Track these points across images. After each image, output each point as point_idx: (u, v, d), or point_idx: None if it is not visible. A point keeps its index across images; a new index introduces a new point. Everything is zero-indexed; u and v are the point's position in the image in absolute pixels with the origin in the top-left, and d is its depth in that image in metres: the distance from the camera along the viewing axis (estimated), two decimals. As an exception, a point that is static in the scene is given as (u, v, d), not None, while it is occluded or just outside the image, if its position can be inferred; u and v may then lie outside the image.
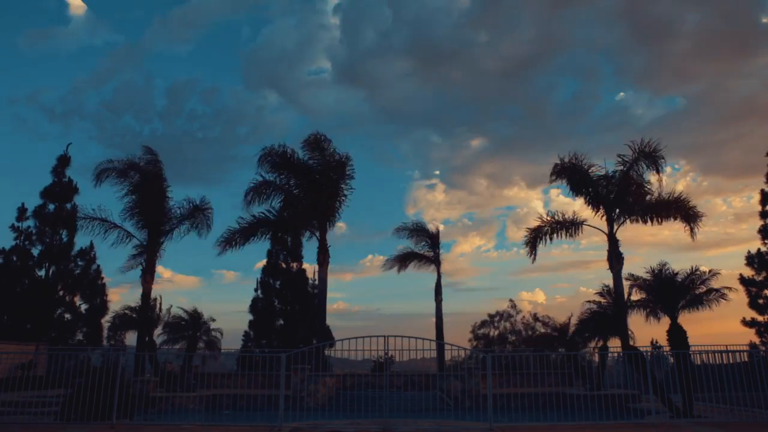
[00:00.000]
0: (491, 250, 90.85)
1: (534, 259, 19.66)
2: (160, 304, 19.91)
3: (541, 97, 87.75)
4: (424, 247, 25.84)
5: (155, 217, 20.63)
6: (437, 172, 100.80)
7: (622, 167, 18.38)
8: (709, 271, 14.30)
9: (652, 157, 17.97)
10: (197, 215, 21.52)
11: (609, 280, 17.95)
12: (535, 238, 19.64)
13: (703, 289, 14.16)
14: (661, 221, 18.41)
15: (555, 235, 19.62)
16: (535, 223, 20.24)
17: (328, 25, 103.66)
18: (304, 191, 22.18)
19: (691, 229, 18.08)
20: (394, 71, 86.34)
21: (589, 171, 19.04)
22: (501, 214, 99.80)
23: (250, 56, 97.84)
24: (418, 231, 25.75)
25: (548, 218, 19.59)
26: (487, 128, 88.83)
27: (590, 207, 18.98)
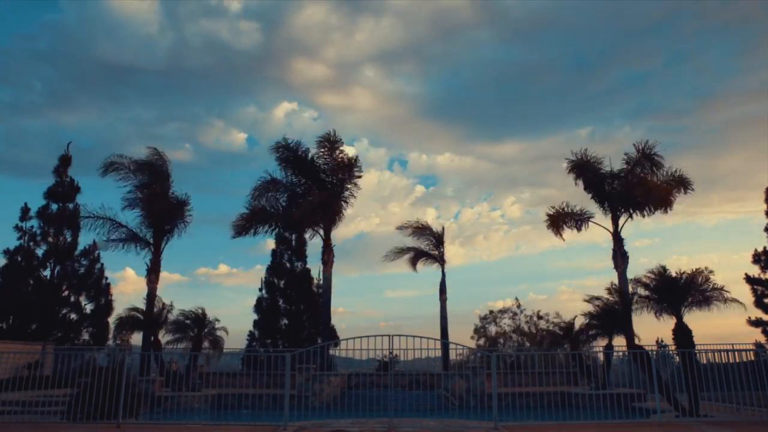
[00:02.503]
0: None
1: (561, 235, 20.64)
2: (166, 308, 19.93)
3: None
4: (428, 246, 25.82)
5: (161, 216, 20.71)
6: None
7: (627, 166, 18.40)
8: (706, 268, 14.26)
9: (651, 158, 18.14)
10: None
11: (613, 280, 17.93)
12: (557, 220, 20.35)
13: (706, 288, 14.09)
14: (662, 208, 18.58)
15: (563, 224, 20.10)
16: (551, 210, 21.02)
17: None
18: (310, 190, 22.24)
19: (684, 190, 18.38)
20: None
21: (599, 168, 19.16)
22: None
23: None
24: (422, 229, 25.73)
25: (561, 207, 20.14)
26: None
27: (597, 204, 19.08)
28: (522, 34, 70.12)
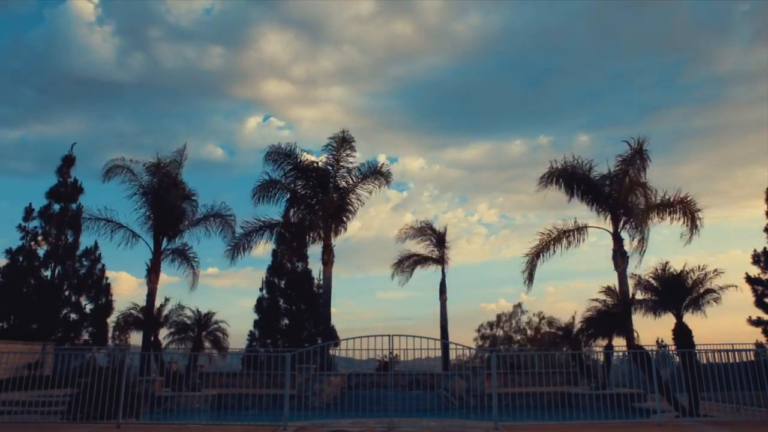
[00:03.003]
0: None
1: (530, 284, 19.19)
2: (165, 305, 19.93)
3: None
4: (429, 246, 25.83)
5: (168, 219, 20.73)
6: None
7: (621, 166, 18.29)
8: (714, 270, 14.20)
9: (641, 154, 17.92)
10: (216, 220, 21.68)
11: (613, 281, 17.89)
12: (532, 262, 19.23)
13: (707, 287, 14.08)
14: (664, 219, 18.29)
15: (554, 247, 19.26)
16: (533, 242, 19.46)
17: None
18: (311, 191, 22.28)
19: (693, 228, 17.84)
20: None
21: (590, 172, 18.86)
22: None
23: None
24: (424, 230, 25.75)
25: (548, 231, 19.33)
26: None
27: (593, 209, 18.76)
28: (474, 54, 72.79)
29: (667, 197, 17.99)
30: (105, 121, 79.15)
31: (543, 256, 19.17)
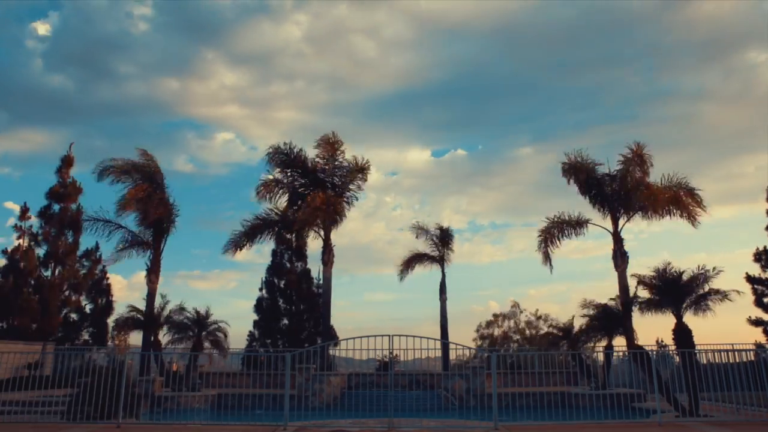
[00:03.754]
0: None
1: (550, 265, 19.54)
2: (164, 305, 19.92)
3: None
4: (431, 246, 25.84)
5: (160, 216, 20.71)
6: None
7: (623, 166, 18.39)
8: (714, 269, 14.19)
9: (642, 157, 18.14)
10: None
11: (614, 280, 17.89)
12: (545, 240, 19.55)
13: (707, 288, 14.07)
14: (663, 216, 18.36)
15: (562, 235, 19.54)
16: (541, 224, 20.00)
17: None
18: (312, 190, 22.27)
19: (692, 223, 17.97)
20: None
21: (594, 169, 19.03)
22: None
23: None
24: (426, 230, 25.77)
25: (555, 218, 19.55)
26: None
27: (595, 206, 18.90)
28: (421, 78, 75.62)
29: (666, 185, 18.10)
30: (77, 138, 78.92)
31: (552, 241, 19.44)
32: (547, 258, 19.45)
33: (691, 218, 17.79)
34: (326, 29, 72.65)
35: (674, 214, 18.12)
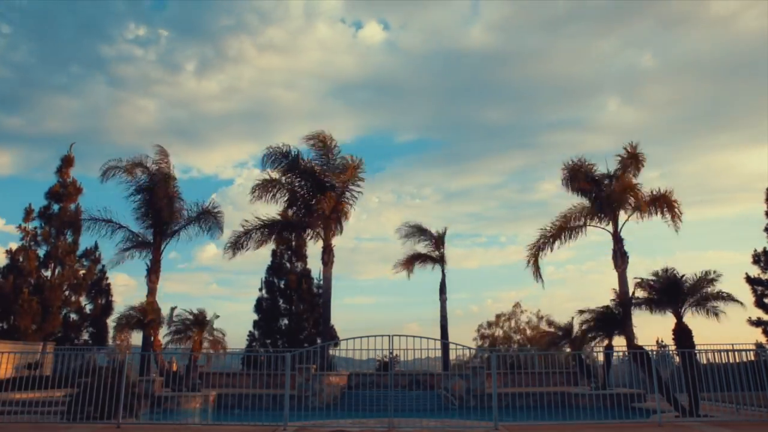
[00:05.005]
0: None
1: (540, 278, 19.92)
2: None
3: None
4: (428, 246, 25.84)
5: (164, 218, 20.77)
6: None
7: (619, 167, 18.57)
8: (714, 272, 14.18)
9: (636, 157, 18.35)
10: (207, 217, 21.76)
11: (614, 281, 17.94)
12: (536, 254, 19.77)
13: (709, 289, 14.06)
14: (654, 214, 18.67)
15: (557, 242, 19.68)
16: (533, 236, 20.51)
17: None
18: (310, 191, 22.28)
19: (675, 224, 18.46)
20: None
21: (593, 172, 19.19)
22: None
23: None
24: (423, 230, 25.76)
25: (550, 225, 19.68)
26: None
27: (594, 207, 18.99)
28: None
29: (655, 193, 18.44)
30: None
31: (543, 250, 19.60)
32: (537, 272, 19.78)
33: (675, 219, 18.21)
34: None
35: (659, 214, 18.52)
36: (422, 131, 77.46)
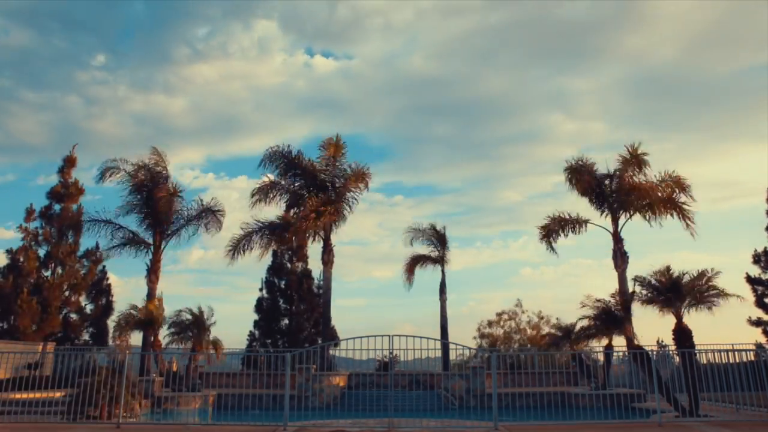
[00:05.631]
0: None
1: (554, 251, 20.35)
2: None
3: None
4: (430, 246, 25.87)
5: (162, 218, 20.78)
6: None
7: (621, 166, 18.54)
8: (713, 269, 14.16)
9: (638, 158, 18.33)
10: (207, 216, 21.76)
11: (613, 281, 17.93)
12: (548, 235, 19.97)
13: (707, 288, 14.04)
14: (658, 215, 18.56)
15: (563, 231, 19.84)
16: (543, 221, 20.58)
17: None
18: (310, 192, 22.29)
19: (687, 225, 18.24)
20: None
21: (594, 171, 19.21)
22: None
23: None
24: (424, 231, 25.78)
25: (556, 216, 19.84)
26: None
27: (595, 207, 19.03)
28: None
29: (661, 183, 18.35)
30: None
31: (553, 236, 19.81)
32: (550, 246, 20.08)
33: (686, 219, 18.03)
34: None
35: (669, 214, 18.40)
36: (384, 140, 79.52)
